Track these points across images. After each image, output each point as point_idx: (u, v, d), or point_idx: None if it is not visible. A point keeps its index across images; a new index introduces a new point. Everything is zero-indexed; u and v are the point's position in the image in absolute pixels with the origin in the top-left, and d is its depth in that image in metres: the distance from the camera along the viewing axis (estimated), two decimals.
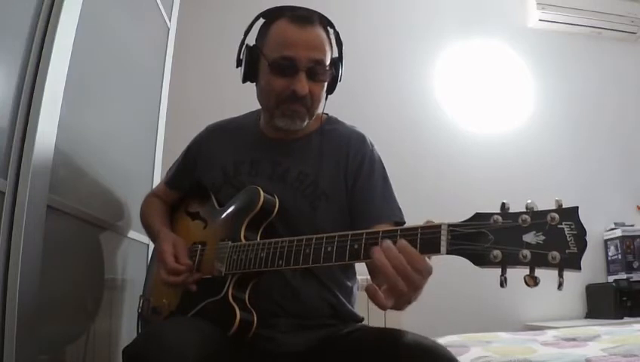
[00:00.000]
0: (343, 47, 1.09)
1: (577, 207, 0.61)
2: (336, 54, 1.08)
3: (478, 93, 3.00)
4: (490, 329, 1.96)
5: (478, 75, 3.02)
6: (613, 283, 2.59)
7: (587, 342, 1.45)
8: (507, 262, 0.63)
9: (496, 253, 0.63)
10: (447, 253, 0.67)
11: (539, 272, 0.61)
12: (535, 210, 0.63)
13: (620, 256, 2.74)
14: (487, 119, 2.98)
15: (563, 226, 0.60)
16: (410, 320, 2.00)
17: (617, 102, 3.15)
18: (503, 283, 0.63)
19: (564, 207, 0.62)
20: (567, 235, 0.60)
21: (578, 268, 0.58)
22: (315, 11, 1.03)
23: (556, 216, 0.61)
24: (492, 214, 0.66)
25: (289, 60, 0.98)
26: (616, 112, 3.14)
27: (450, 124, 2.93)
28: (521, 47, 3.11)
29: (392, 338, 0.83)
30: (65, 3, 1.03)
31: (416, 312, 2.28)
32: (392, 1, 3.06)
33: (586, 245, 0.59)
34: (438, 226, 0.69)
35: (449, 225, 0.69)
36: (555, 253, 0.59)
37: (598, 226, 2.87)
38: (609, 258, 2.83)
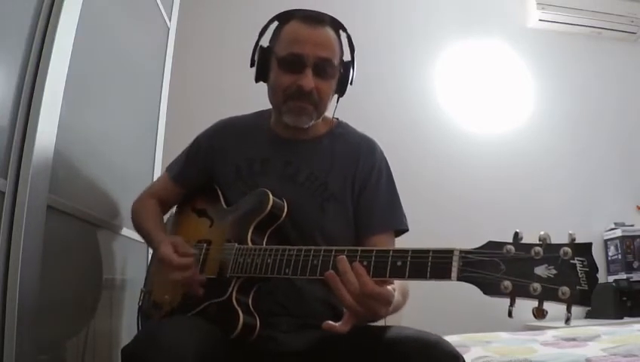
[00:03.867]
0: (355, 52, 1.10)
1: (591, 244, 0.61)
2: (347, 57, 1.09)
3: (478, 93, 3.00)
4: (490, 329, 1.96)
5: (478, 75, 3.02)
6: (613, 283, 2.58)
7: (587, 342, 1.44)
8: (517, 293, 0.63)
9: (507, 283, 0.63)
10: (458, 280, 0.67)
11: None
12: (548, 242, 0.63)
13: (620, 256, 2.73)
14: (487, 119, 2.98)
15: (575, 262, 0.60)
16: (410, 320, 2.00)
17: (617, 102, 3.15)
18: (511, 313, 0.64)
19: (577, 241, 0.62)
20: (579, 271, 0.60)
21: (588, 304, 0.59)
22: (326, 14, 1.05)
23: (569, 250, 0.61)
24: (505, 244, 0.65)
25: (296, 56, 1.00)
26: (616, 112, 3.14)
27: (450, 124, 2.93)
28: (521, 47, 3.10)
29: (394, 334, 0.83)
30: (65, 3, 1.03)
31: (416, 312, 2.29)
32: (392, 1, 3.06)
33: (597, 282, 0.59)
34: (450, 252, 0.69)
35: (461, 251, 0.68)
36: (566, 289, 0.59)
37: (598, 226, 2.86)
38: (609, 258, 2.83)
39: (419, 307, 2.39)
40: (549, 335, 1.65)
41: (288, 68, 1.01)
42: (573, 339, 1.52)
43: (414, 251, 0.72)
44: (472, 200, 2.69)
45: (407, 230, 1.07)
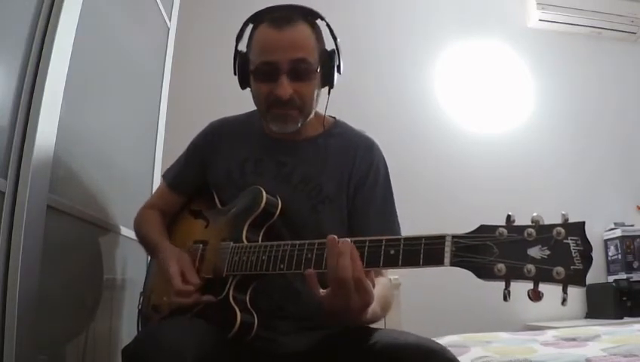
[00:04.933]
0: (340, 40, 1.06)
1: (584, 222, 0.60)
2: (330, 46, 1.05)
3: (478, 93, 3.00)
4: (490, 329, 1.96)
5: (478, 75, 3.02)
6: (613, 283, 2.59)
7: (587, 342, 1.44)
8: (511, 276, 0.62)
9: (501, 266, 0.63)
10: (451, 265, 0.67)
11: (542, 286, 0.61)
12: (541, 223, 0.62)
13: (620, 256, 2.74)
14: (487, 119, 2.98)
15: (569, 241, 0.60)
16: (410, 320, 2.01)
17: (617, 102, 3.15)
18: (506, 296, 0.63)
19: (570, 221, 0.61)
20: (573, 251, 0.59)
21: (583, 284, 0.58)
22: (298, 7, 1.01)
23: (562, 230, 0.60)
24: (497, 227, 0.65)
25: (269, 65, 0.97)
26: (616, 112, 3.14)
27: (450, 124, 2.93)
28: (521, 47, 3.11)
29: (392, 339, 0.83)
30: (65, 3, 1.03)
31: (416, 312, 2.27)
32: (392, 1, 3.06)
33: (591, 261, 0.58)
34: (442, 237, 0.69)
35: (453, 237, 0.68)
36: (560, 269, 0.59)
37: (598, 226, 2.87)
38: (609, 258, 2.83)
39: (419, 307, 2.39)
40: (549, 335, 1.65)
41: (262, 78, 0.98)
42: (573, 339, 1.52)
43: (406, 239, 0.72)
44: (472, 200, 2.69)
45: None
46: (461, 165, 2.86)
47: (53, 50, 0.99)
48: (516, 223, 0.64)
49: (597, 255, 2.84)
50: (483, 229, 0.66)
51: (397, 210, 1.09)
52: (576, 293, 2.77)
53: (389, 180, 1.10)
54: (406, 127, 2.84)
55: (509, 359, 1.28)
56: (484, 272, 0.64)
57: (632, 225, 2.82)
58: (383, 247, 0.74)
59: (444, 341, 1.58)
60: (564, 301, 0.59)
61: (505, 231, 0.64)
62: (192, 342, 0.77)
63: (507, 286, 0.63)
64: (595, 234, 2.85)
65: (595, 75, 3.17)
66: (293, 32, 0.98)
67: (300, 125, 1.03)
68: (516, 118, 3.02)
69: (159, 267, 1.04)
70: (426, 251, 0.70)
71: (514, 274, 0.62)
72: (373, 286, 0.78)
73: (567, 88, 3.12)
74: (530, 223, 0.63)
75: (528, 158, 2.94)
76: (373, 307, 0.81)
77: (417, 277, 2.32)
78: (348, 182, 1.05)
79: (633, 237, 2.73)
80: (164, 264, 0.98)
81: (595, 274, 2.78)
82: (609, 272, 2.81)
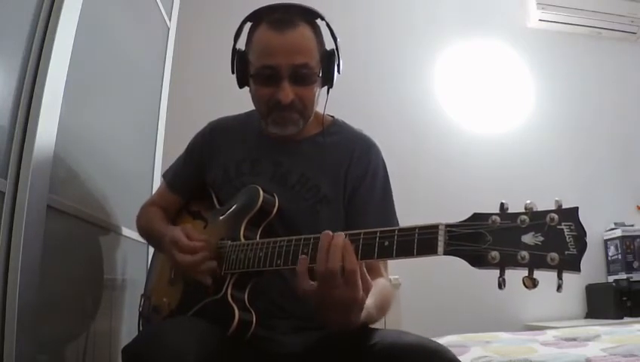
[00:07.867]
0: (340, 40, 1.05)
1: (577, 208, 0.60)
2: (329, 44, 1.04)
3: (478, 93, 3.00)
4: (490, 329, 1.96)
5: (478, 75, 3.02)
6: (613, 283, 2.59)
7: (587, 342, 1.45)
8: (505, 263, 0.62)
9: (494, 254, 0.62)
10: (444, 254, 0.67)
11: (538, 274, 0.60)
12: (534, 210, 0.62)
13: (620, 256, 2.74)
14: (487, 119, 2.98)
15: (562, 227, 0.59)
16: (410, 320, 2.01)
17: (617, 102, 3.15)
18: (501, 284, 0.62)
19: (563, 207, 0.61)
20: (567, 236, 0.59)
21: (577, 269, 0.58)
22: (297, 7, 1.00)
23: (555, 216, 0.60)
24: (490, 215, 0.65)
25: (270, 69, 0.96)
26: (616, 112, 3.14)
27: (450, 123, 2.93)
28: (521, 47, 3.11)
29: (392, 339, 0.83)
30: (65, 3, 1.03)
31: (416, 312, 2.27)
32: (392, 1, 3.06)
33: (585, 246, 0.58)
34: (436, 226, 0.69)
35: (446, 225, 0.68)
36: (554, 255, 0.58)
37: (598, 226, 2.86)
38: (609, 258, 2.83)
39: (419, 307, 2.40)
40: (549, 335, 1.65)
41: (264, 82, 0.97)
42: (573, 339, 1.52)
43: (400, 230, 0.72)
44: (472, 199, 2.68)
45: None
46: (461, 165, 2.85)
47: (53, 50, 0.99)
48: (510, 211, 0.64)
49: (597, 255, 2.85)
50: (476, 217, 0.66)
51: (396, 210, 1.08)
52: (576, 293, 2.78)
53: (388, 180, 1.09)
54: (406, 127, 2.84)
55: (509, 359, 1.28)
56: (477, 260, 0.64)
57: (632, 225, 2.82)
58: (377, 239, 0.74)
59: (444, 341, 1.58)
60: (559, 287, 0.59)
61: (498, 218, 0.64)
62: (194, 342, 0.77)
63: (501, 274, 0.63)
64: (595, 234, 2.85)
65: (595, 75, 3.17)
66: (294, 36, 0.97)
67: (300, 128, 1.03)
68: (516, 117, 3.02)
69: (165, 249, 1.02)
70: (419, 241, 0.69)
71: (508, 261, 0.61)
72: (368, 287, 0.77)
73: (567, 88, 3.12)
74: (523, 210, 0.63)
75: (528, 158, 2.94)
76: (367, 305, 0.80)
77: (417, 277, 2.33)
78: (344, 181, 1.04)
79: (633, 237, 2.73)
80: (169, 236, 0.97)
81: (595, 274, 2.77)
82: (609, 272, 2.81)
